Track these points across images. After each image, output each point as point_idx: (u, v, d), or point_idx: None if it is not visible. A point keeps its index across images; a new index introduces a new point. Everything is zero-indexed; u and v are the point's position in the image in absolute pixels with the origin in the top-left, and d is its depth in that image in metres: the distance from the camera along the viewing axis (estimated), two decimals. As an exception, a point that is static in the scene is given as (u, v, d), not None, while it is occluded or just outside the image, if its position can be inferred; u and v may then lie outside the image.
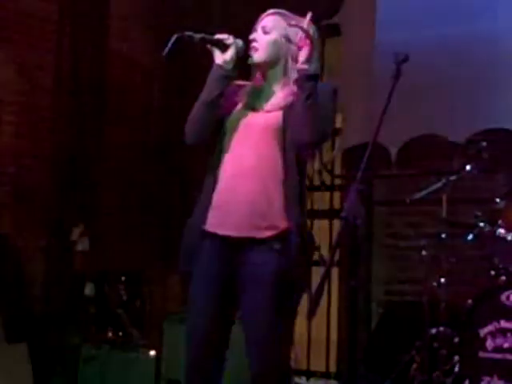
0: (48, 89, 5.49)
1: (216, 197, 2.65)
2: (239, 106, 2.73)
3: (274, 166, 2.61)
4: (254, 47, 2.71)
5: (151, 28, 5.98)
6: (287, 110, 2.64)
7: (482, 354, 3.91)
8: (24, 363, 4.50)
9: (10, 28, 5.30)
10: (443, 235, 4.22)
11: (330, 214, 5.58)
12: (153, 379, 4.61)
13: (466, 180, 4.31)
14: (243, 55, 2.73)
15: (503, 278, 4.02)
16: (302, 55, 2.58)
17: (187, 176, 5.74)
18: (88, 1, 5.77)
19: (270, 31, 2.72)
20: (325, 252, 4.92)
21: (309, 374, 5.47)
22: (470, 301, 4.02)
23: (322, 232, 5.46)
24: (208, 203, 2.65)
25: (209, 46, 2.71)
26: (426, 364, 4.15)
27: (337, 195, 5.62)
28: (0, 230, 5.12)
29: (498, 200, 4.17)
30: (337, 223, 5.39)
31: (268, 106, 2.70)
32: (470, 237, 4.18)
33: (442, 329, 4.14)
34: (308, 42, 2.57)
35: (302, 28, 2.57)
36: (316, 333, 5.45)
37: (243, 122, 2.68)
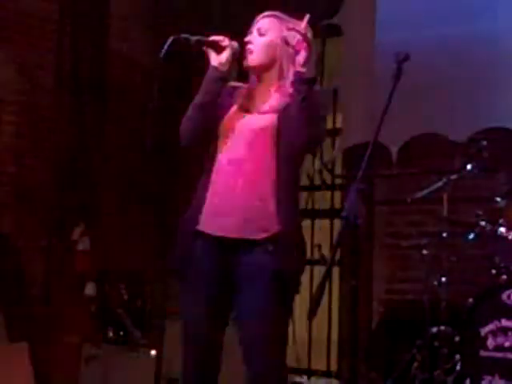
0: (48, 88, 5.49)
1: (210, 198, 2.65)
2: (234, 107, 2.74)
3: (267, 168, 2.62)
4: (249, 49, 2.72)
5: (151, 28, 5.98)
6: (282, 112, 2.64)
7: (482, 353, 3.91)
8: (24, 363, 4.51)
9: (10, 28, 5.30)
10: (444, 234, 4.23)
11: (331, 213, 5.58)
12: (153, 378, 4.61)
13: (467, 179, 4.31)
14: (239, 57, 2.73)
15: (504, 276, 4.02)
16: (299, 58, 2.58)
17: (187, 176, 5.73)
18: (88, 1, 5.77)
19: (265, 33, 2.72)
20: (326, 251, 4.96)
21: (310, 372, 5.48)
22: (470, 300, 4.02)
23: (323, 231, 5.47)
24: (202, 204, 2.66)
25: (204, 47, 2.71)
26: (427, 363, 4.15)
27: (337, 195, 5.62)
28: (1, 230, 5.12)
29: (498, 199, 4.16)
30: (338, 223, 5.39)
31: (263, 108, 2.71)
32: (471, 236, 4.18)
33: (442, 328, 4.14)
34: (305, 45, 2.58)
35: (299, 32, 2.57)
36: (317, 331, 5.45)
37: (238, 124, 2.69)
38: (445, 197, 4.25)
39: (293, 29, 2.61)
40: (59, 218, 5.40)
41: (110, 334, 5.02)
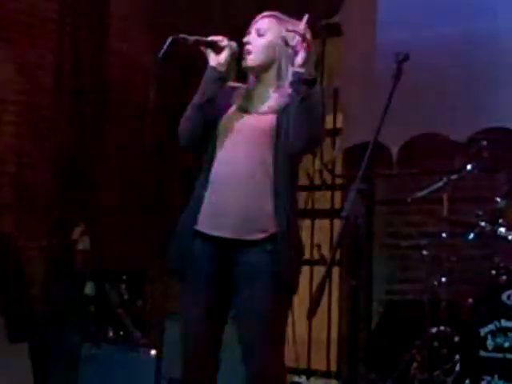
0: (48, 88, 5.49)
1: (208, 198, 2.66)
2: (233, 107, 2.74)
3: (265, 169, 2.62)
4: (248, 50, 2.71)
5: (151, 28, 5.98)
6: (281, 112, 2.64)
7: (482, 354, 3.90)
8: (24, 363, 4.50)
9: (10, 27, 5.31)
10: (444, 234, 4.23)
11: (331, 213, 5.57)
12: (153, 379, 4.60)
13: (467, 179, 4.31)
14: (238, 57, 2.73)
15: (504, 277, 4.01)
16: (298, 59, 2.58)
17: (187, 176, 5.73)
18: (88, 0, 5.78)
19: (264, 33, 2.72)
20: (326, 251, 4.96)
21: (309, 372, 5.47)
22: (470, 300, 4.02)
23: (323, 231, 5.46)
24: (200, 203, 2.66)
25: (203, 48, 2.71)
26: (427, 363, 4.15)
27: (338, 195, 5.62)
28: (1, 230, 5.12)
29: (498, 199, 4.16)
30: (338, 223, 5.39)
31: (261, 108, 2.70)
32: (471, 236, 4.18)
33: (442, 328, 4.14)
34: (304, 45, 2.57)
35: (298, 33, 2.57)
36: (317, 332, 5.45)
37: (236, 124, 2.69)
38: (445, 197, 4.25)
39: (292, 31, 2.60)
40: (59, 217, 5.40)
41: (110, 334, 5.01)
